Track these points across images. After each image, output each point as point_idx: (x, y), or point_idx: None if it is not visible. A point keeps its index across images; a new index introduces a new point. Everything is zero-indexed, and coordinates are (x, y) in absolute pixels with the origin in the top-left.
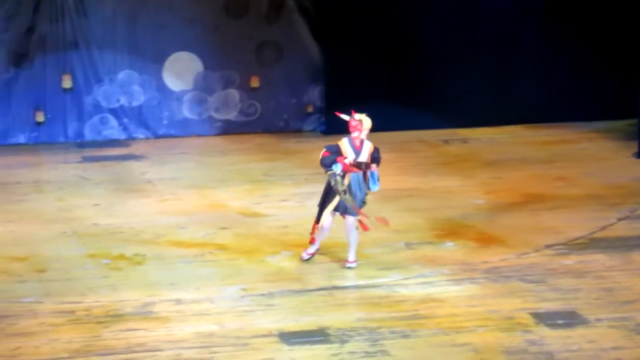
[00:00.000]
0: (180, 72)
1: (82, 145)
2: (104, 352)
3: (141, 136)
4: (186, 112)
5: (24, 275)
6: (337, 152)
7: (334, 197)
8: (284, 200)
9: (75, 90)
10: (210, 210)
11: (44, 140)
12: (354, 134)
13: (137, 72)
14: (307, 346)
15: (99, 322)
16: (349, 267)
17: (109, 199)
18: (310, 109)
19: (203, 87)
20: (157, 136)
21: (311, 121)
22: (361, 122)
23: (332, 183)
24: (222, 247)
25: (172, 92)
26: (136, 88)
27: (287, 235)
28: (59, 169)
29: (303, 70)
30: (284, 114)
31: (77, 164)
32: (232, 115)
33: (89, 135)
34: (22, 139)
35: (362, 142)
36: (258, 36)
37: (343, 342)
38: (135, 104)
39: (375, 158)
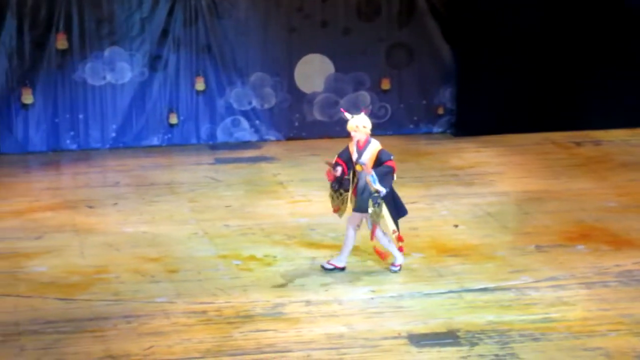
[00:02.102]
0: (312, 74)
1: (214, 147)
2: (235, 353)
3: (272, 138)
4: (317, 114)
5: (157, 275)
6: (346, 154)
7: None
8: (414, 202)
9: (208, 92)
10: None
11: (177, 142)
12: (353, 135)
13: (269, 75)
14: (437, 348)
15: (229, 323)
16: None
17: (241, 200)
18: (440, 111)
19: (334, 90)
20: (288, 138)
21: (442, 123)
22: (357, 124)
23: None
24: (352, 249)
25: (303, 94)
26: (268, 90)
27: (418, 237)
28: (191, 171)
29: (434, 72)
30: (414, 116)
31: (209, 165)
32: None
33: (221, 137)
34: (155, 140)
35: (366, 142)
36: (389, 38)
37: (472, 344)
38: (267, 106)
39: (379, 159)
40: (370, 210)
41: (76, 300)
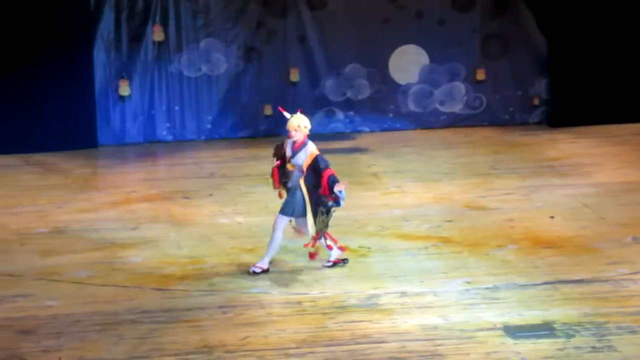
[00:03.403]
0: (406, 65)
1: (308, 137)
2: (330, 343)
3: (366, 129)
4: (412, 105)
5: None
6: (280, 151)
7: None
8: (510, 194)
9: (302, 83)
10: (435, 203)
11: (272, 134)
12: (293, 134)
13: (363, 66)
14: (532, 340)
15: (324, 314)
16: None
17: None
18: (536, 102)
19: (428, 80)
20: (383, 129)
21: (537, 114)
22: (299, 124)
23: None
24: (446, 240)
25: (397, 85)
26: (362, 81)
27: (513, 228)
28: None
29: (529, 63)
30: (509, 107)
31: None
32: (457, 108)
33: (315, 128)
34: (250, 132)
35: (302, 143)
36: (484, 29)
37: (569, 336)
38: (361, 97)
39: (317, 169)
40: (317, 219)
41: (172, 290)
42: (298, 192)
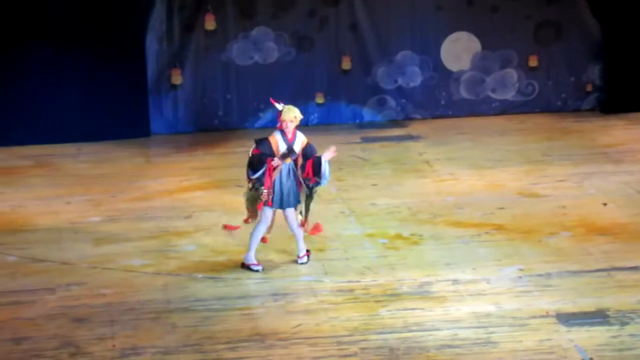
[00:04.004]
0: (458, 52)
1: (360, 126)
2: (382, 331)
3: (418, 117)
4: (464, 92)
5: None
6: (268, 149)
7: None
8: (562, 181)
9: (354, 71)
10: (488, 190)
11: (324, 122)
12: (289, 125)
13: (415, 53)
14: (586, 327)
15: (377, 301)
16: (300, 263)
17: (387, 179)
18: (589, 88)
19: (481, 67)
20: (435, 116)
21: (590, 100)
22: (295, 115)
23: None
24: (499, 228)
25: (449, 72)
26: (414, 69)
27: (566, 215)
28: (338, 150)
29: (582, 49)
30: (562, 93)
31: (356, 144)
32: (509, 95)
33: (367, 116)
34: (302, 120)
35: (294, 133)
36: (536, 16)
37: (623, 324)
38: (413, 84)
39: (306, 154)
40: (306, 202)
41: (225, 278)
42: (294, 183)
